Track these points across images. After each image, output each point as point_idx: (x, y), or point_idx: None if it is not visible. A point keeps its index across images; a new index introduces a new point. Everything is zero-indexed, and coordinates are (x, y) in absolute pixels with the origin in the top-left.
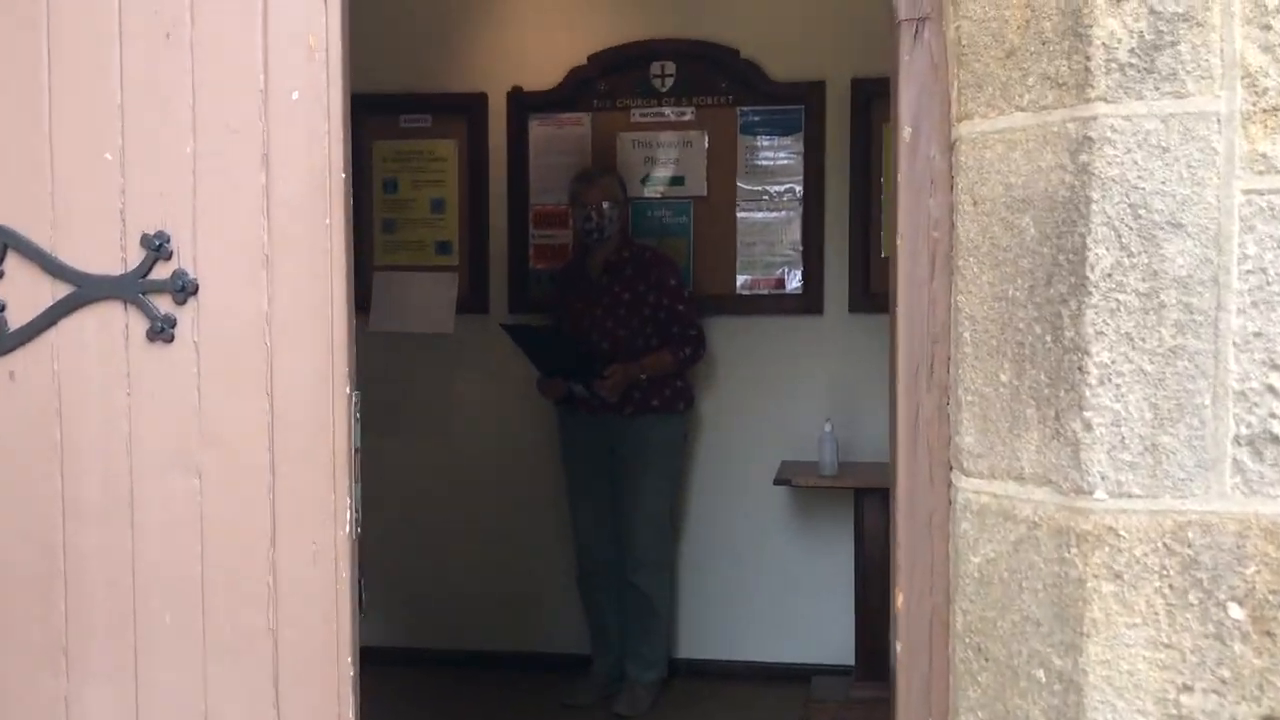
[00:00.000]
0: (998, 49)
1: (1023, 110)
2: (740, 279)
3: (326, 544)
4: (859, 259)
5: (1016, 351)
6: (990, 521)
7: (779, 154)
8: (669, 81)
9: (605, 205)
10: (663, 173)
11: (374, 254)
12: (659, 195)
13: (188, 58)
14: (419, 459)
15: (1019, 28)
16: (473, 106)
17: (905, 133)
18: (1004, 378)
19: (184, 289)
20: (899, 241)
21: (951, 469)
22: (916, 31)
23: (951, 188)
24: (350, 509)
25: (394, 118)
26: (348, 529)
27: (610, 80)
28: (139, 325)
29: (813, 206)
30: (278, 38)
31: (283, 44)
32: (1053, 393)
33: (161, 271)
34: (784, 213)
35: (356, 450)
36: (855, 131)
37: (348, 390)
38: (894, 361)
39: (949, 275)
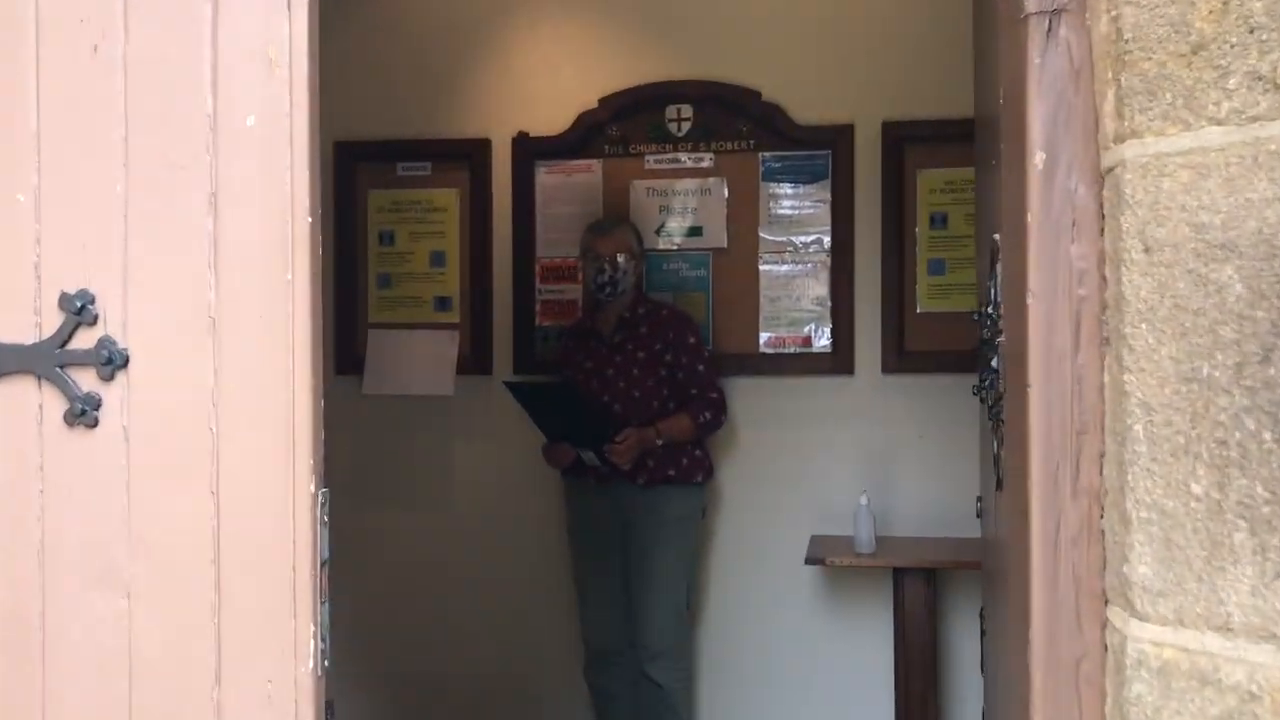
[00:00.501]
0: (1179, 42)
1: (1220, 124)
2: (763, 336)
3: (284, 682)
4: (892, 315)
5: (1217, 453)
6: (1179, 686)
7: (804, 202)
8: (685, 125)
9: (620, 258)
10: (679, 223)
11: (368, 311)
12: (675, 247)
13: (119, 76)
14: (414, 531)
15: (1213, 13)
16: (475, 153)
17: (1037, 160)
18: (1197, 488)
19: (111, 361)
20: (1029, 302)
21: (1108, 603)
22: (1050, 28)
23: (1102, 230)
24: (315, 638)
25: (390, 165)
26: (311, 663)
27: (623, 125)
28: (55, 406)
29: (841, 258)
30: (229, 51)
31: (235, 58)
32: (1275, 511)
33: (84, 340)
34: (810, 265)
35: (324, 563)
36: (887, 178)
37: (312, 488)
38: (1023, 458)
39: (1099, 346)
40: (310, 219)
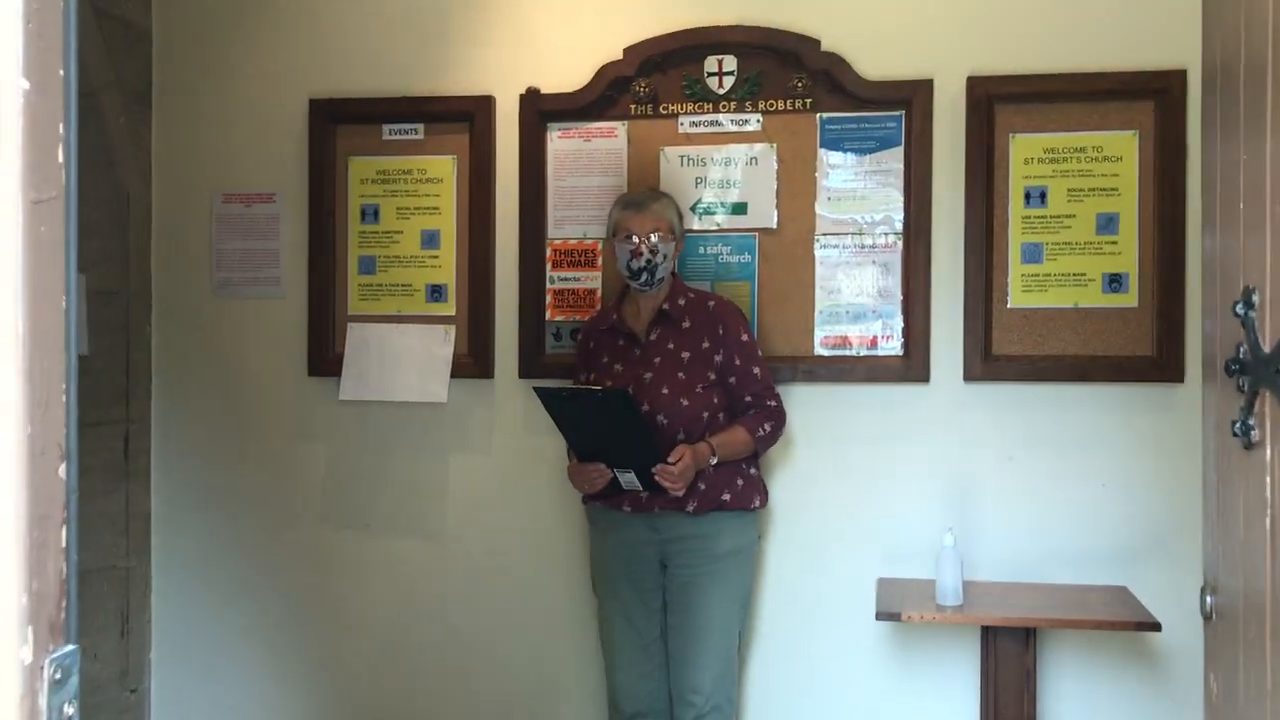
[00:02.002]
0: None
1: None
2: (820, 336)
3: None
4: (978, 312)
5: None
6: None
7: (871, 174)
8: (728, 80)
9: (658, 239)
10: (720, 198)
11: (348, 301)
12: (715, 228)
13: None
14: (401, 564)
15: None
16: (476, 113)
17: None
18: None
19: None
20: None
21: None
22: None
23: None
24: None
25: (375, 128)
26: None
27: (652, 80)
28: None
29: (916, 242)
30: None
31: None
32: None
33: None
34: (878, 250)
35: None
36: (972, 145)
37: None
38: None
39: None
40: (28, 85)
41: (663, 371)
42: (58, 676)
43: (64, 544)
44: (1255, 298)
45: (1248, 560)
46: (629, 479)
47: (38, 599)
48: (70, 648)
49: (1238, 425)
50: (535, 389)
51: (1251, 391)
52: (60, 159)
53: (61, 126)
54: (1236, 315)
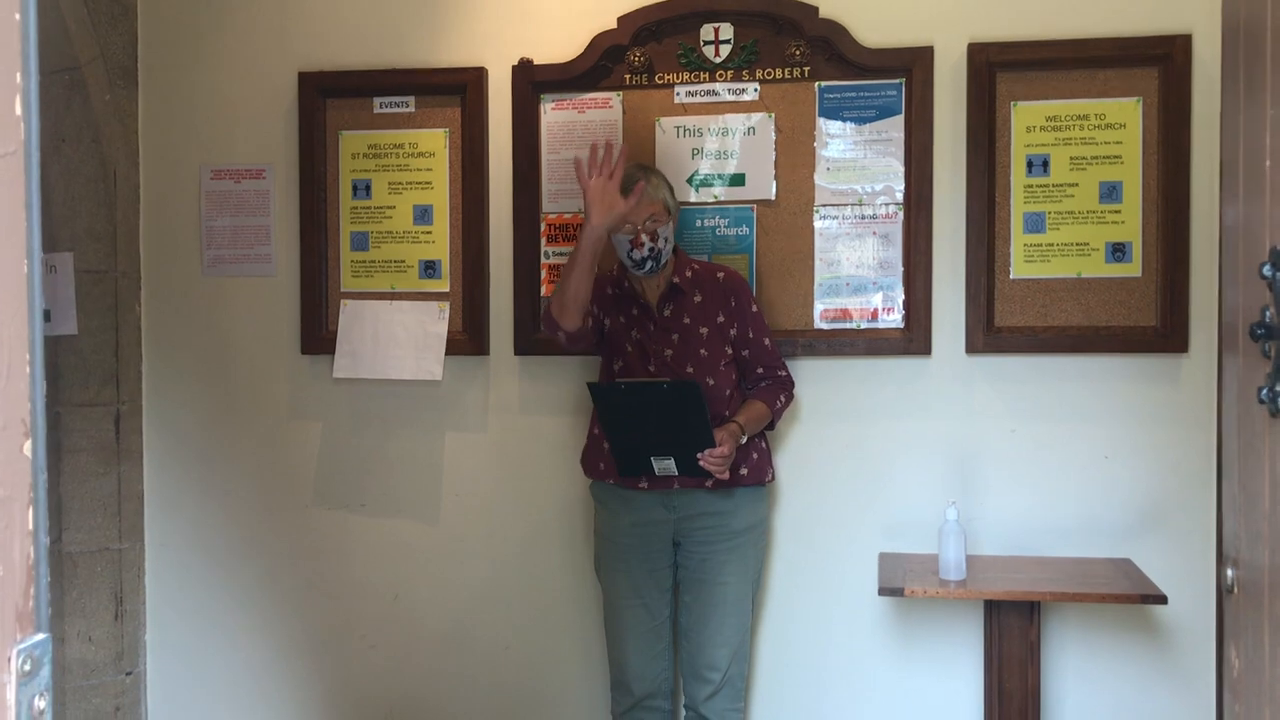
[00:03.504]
0: None
1: None
2: (819, 309)
3: None
4: (980, 283)
5: None
6: None
7: (871, 144)
8: (725, 49)
9: (657, 223)
10: (717, 169)
11: (340, 278)
12: (713, 200)
13: None
14: (396, 546)
15: None
16: (468, 86)
17: None
18: None
19: None
20: None
21: None
22: None
23: None
24: None
25: (366, 101)
26: None
27: (647, 49)
28: None
29: (917, 213)
30: None
31: None
32: None
33: None
34: (878, 221)
35: None
36: (973, 113)
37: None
38: None
39: None
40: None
41: (683, 349)
42: (27, 667)
43: (31, 526)
44: None
45: (1275, 531)
46: (665, 465)
47: (2, 585)
48: (40, 636)
49: (1264, 392)
50: (590, 385)
51: None
52: (18, 111)
53: (19, 75)
54: (1264, 277)
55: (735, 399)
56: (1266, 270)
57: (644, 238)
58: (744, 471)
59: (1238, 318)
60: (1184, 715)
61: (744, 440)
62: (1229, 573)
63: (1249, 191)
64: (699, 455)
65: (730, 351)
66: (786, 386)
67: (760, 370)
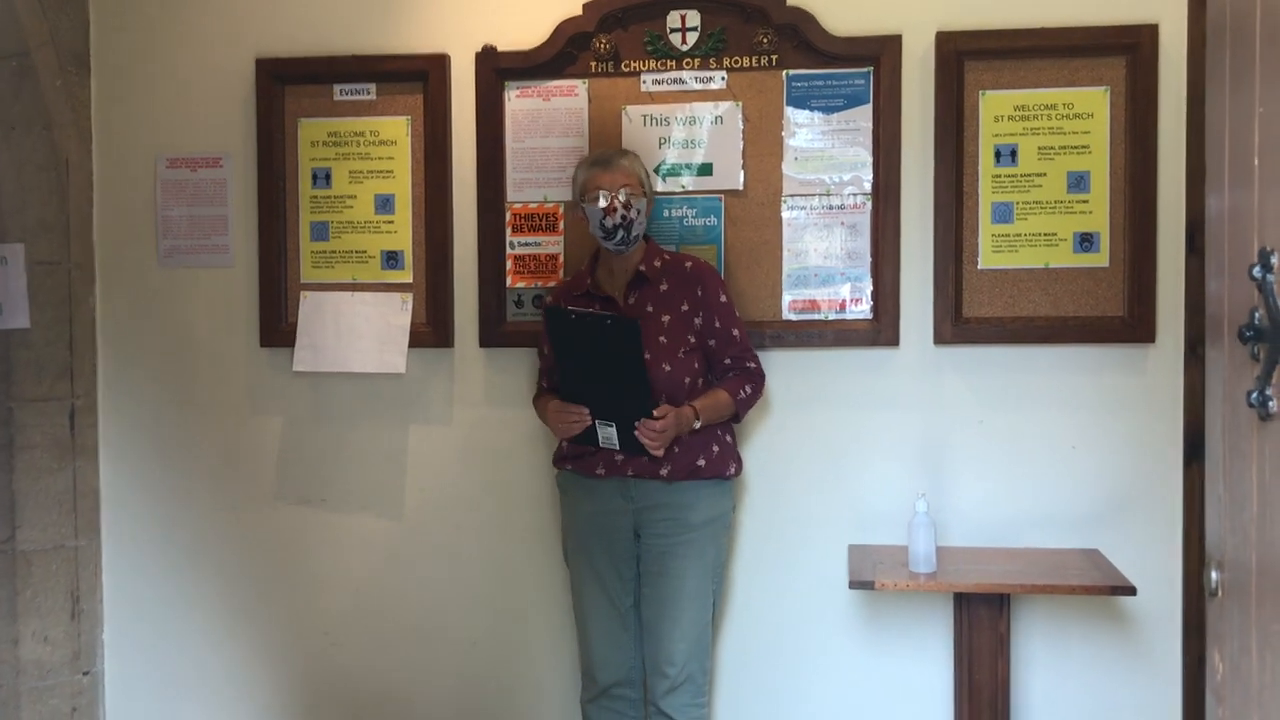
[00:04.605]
0: None
1: None
2: (787, 299)
3: None
4: (948, 274)
5: None
6: None
7: (839, 133)
8: (691, 37)
9: (630, 195)
10: (684, 159)
11: (300, 269)
12: (680, 190)
13: None
14: (359, 539)
15: None
16: (430, 73)
17: None
18: None
19: None
20: None
21: None
22: None
23: None
24: None
25: (325, 89)
26: None
27: (613, 36)
28: None
29: (885, 203)
30: None
31: None
32: None
33: None
34: (846, 211)
35: None
36: (942, 102)
37: None
38: None
39: None
40: None
41: (644, 336)
42: None
43: None
44: (1274, 259)
45: (1265, 535)
46: (608, 435)
47: None
48: None
49: (1254, 395)
50: (545, 307)
51: (1270, 360)
52: None
53: None
54: (1253, 279)
55: (699, 391)
56: (1256, 272)
57: (617, 204)
58: (701, 463)
59: (1222, 311)
60: (1150, 704)
61: (697, 425)
62: (1213, 575)
63: (1235, 184)
64: (635, 425)
65: (694, 340)
66: (754, 378)
67: (728, 361)
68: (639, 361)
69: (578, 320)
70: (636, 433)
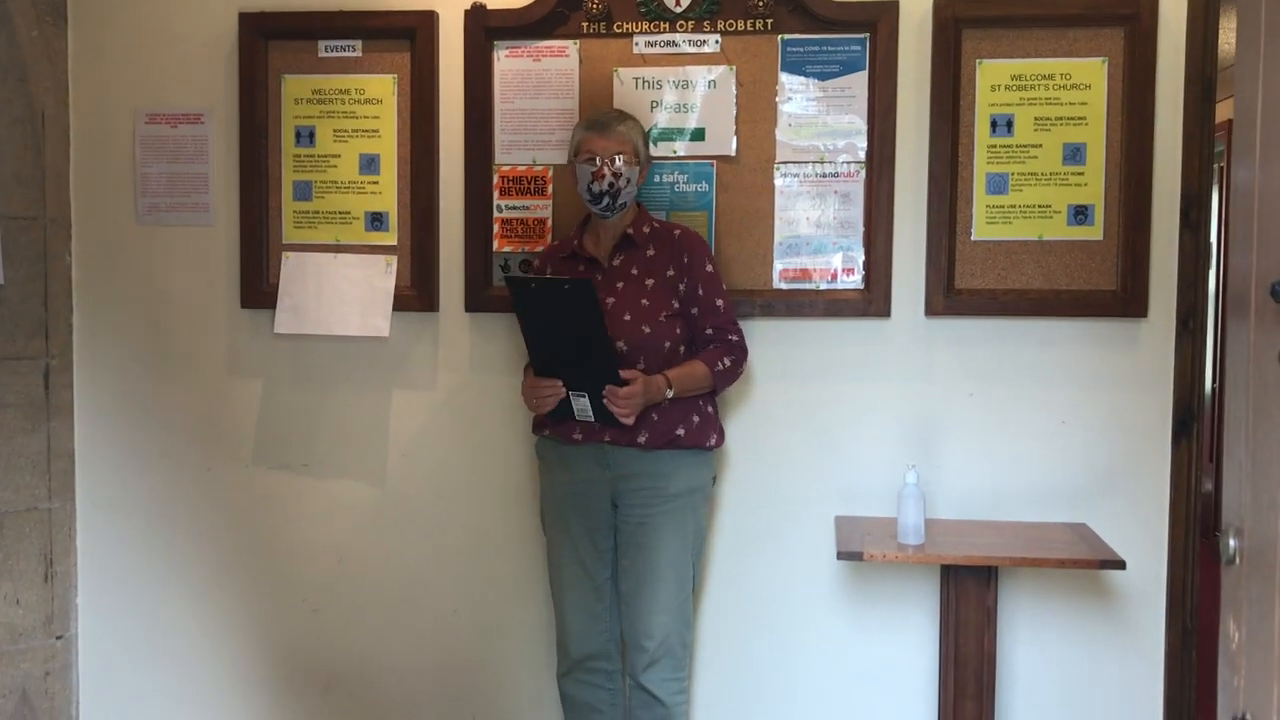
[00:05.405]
0: None
1: None
2: (779, 268)
3: None
4: (941, 244)
5: None
6: None
7: (834, 100)
8: None
9: (622, 161)
10: (677, 123)
11: (283, 230)
12: (672, 155)
13: None
14: (340, 505)
15: None
16: (418, 29)
17: None
18: None
19: None
20: None
21: None
22: None
23: None
24: None
25: (310, 44)
26: None
27: None
28: None
29: (878, 171)
30: None
31: None
32: None
33: None
34: (839, 179)
35: None
36: (938, 70)
37: None
38: None
39: None
40: None
41: (625, 297)
42: None
43: None
44: None
45: None
46: (582, 405)
47: None
48: None
49: None
50: (505, 276)
51: None
52: None
53: None
54: None
55: (680, 359)
56: None
57: (606, 171)
58: (680, 433)
59: (1249, 282)
60: (1134, 677)
61: (669, 395)
62: (1230, 543)
63: (1268, 153)
64: (604, 394)
65: (677, 306)
66: (734, 351)
67: (710, 331)
68: (600, 324)
69: (537, 287)
70: (605, 400)
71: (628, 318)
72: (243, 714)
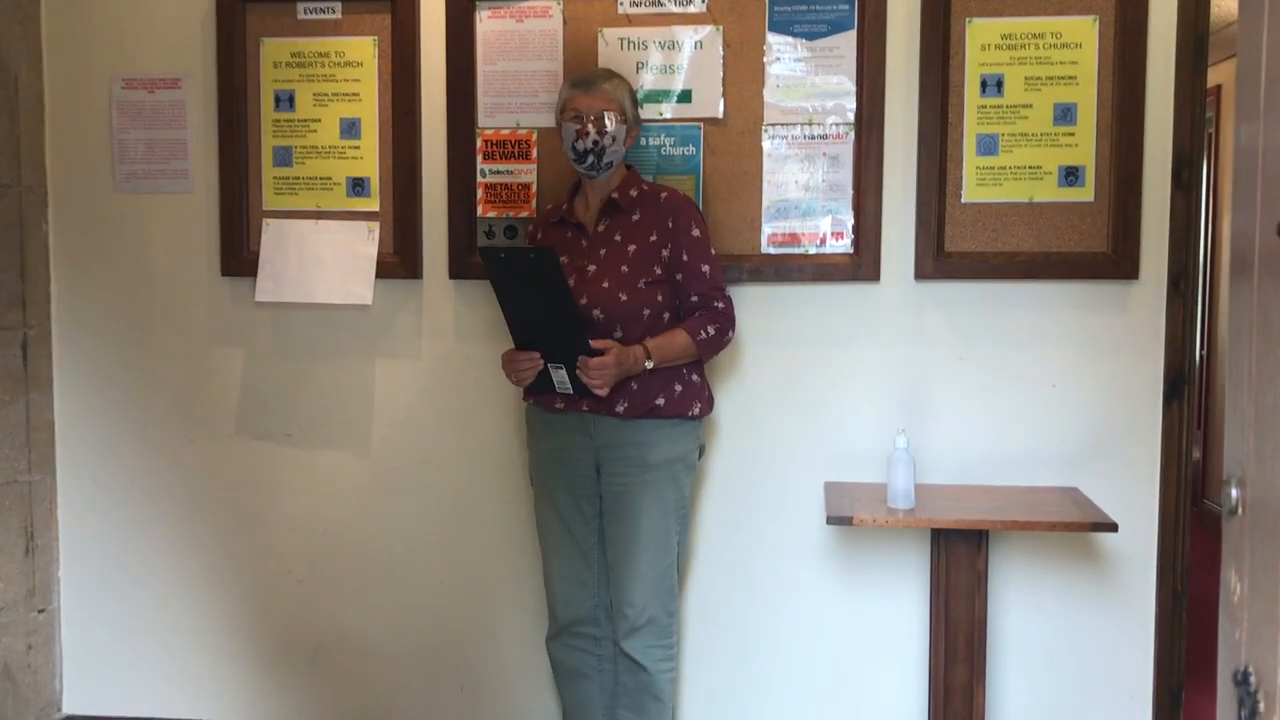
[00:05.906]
0: None
1: None
2: (767, 232)
3: None
4: (931, 207)
5: None
6: None
7: (822, 60)
8: None
9: (609, 119)
10: (663, 85)
11: (263, 196)
12: (658, 117)
13: None
14: (324, 475)
15: None
16: None
17: None
18: None
19: None
20: None
21: None
22: None
23: None
24: None
25: (289, 7)
26: None
27: None
28: None
29: (867, 133)
30: None
31: None
32: None
33: None
34: (828, 141)
35: None
36: (927, 29)
37: None
38: None
39: None
40: None
41: (606, 264)
42: None
43: None
44: None
45: None
46: (561, 378)
47: None
48: None
49: None
50: (479, 247)
51: None
52: None
53: None
54: None
55: (662, 327)
56: None
57: (590, 128)
58: (660, 402)
59: (1251, 243)
60: (1124, 641)
61: (649, 366)
62: (1232, 493)
63: (1273, 113)
64: (577, 366)
65: (660, 273)
66: (720, 318)
67: (695, 299)
68: (566, 293)
69: (507, 257)
70: (578, 371)
71: (606, 284)
72: (228, 686)
